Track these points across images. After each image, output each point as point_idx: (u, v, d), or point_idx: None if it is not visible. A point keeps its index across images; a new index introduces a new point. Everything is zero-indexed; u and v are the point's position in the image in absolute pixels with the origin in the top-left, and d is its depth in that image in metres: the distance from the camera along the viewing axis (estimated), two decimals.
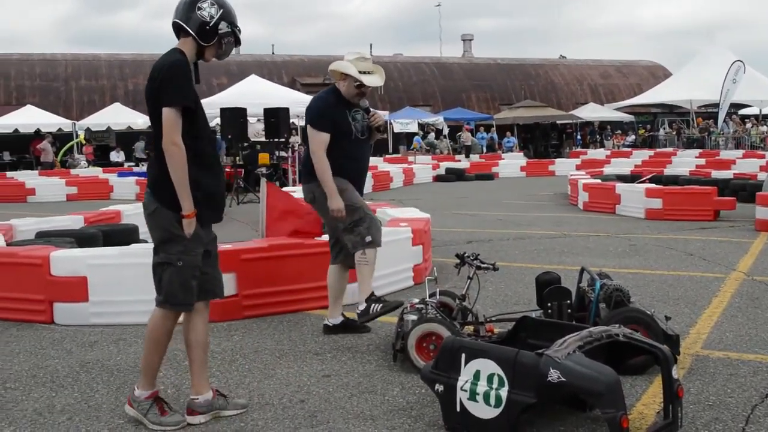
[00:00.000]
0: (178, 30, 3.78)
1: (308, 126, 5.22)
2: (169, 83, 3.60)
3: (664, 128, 37.48)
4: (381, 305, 5.02)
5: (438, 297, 4.99)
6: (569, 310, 4.76)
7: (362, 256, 5.10)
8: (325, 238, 6.27)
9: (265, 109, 17.94)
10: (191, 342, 3.87)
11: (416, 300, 4.93)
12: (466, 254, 5.06)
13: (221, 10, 3.74)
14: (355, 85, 5.19)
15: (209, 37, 3.75)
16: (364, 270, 5.13)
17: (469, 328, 4.79)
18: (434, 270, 5.29)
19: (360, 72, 5.14)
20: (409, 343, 4.46)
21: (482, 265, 4.93)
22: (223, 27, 3.75)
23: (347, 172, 5.21)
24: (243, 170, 18.55)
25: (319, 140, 5.12)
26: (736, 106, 34.40)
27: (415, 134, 33.90)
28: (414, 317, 4.60)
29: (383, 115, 5.40)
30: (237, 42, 3.87)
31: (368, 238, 5.08)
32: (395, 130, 33.29)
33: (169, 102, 3.60)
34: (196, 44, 3.76)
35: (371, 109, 5.42)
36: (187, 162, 3.63)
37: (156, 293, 3.80)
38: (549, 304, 4.78)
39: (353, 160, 5.26)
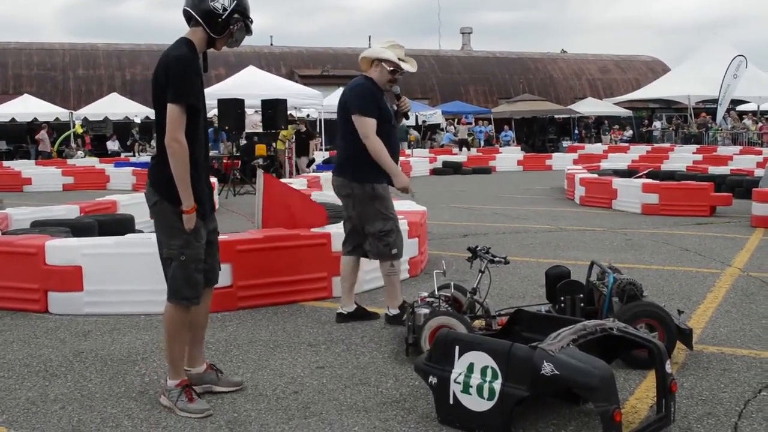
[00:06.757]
0: (189, 18, 3.68)
1: (355, 114, 5.14)
2: (177, 79, 3.52)
3: (662, 123, 37.36)
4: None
5: (452, 291, 5.00)
6: (581, 304, 4.75)
7: (391, 268, 5.25)
8: (318, 230, 6.29)
9: (263, 101, 17.91)
10: (190, 324, 3.91)
11: (425, 293, 4.92)
12: (479, 248, 5.04)
13: (234, 2, 3.62)
14: (389, 70, 5.24)
15: (221, 29, 3.65)
16: (395, 281, 5.30)
17: (480, 322, 4.79)
18: (443, 263, 5.28)
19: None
20: (422, 336, 4.43)
21: (494, 259, 4.91)
22: (236, 18, 3.65)
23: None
24: (239, 161, 18.51)
25: (370, 125, 5.12)
26: (734, 102, 34.23)
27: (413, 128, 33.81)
28: (426, 311, 4.59)
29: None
30: (248, 32, 3.77)
31: (395, 251, 5.22)
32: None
33: (175, 99, 3.53)
34: (206, 35, 3.66)
35: (401, 95, 5.48)
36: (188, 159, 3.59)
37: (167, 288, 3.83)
38: (562, 298, 4.76)
39: (391, 147, 5.27)
